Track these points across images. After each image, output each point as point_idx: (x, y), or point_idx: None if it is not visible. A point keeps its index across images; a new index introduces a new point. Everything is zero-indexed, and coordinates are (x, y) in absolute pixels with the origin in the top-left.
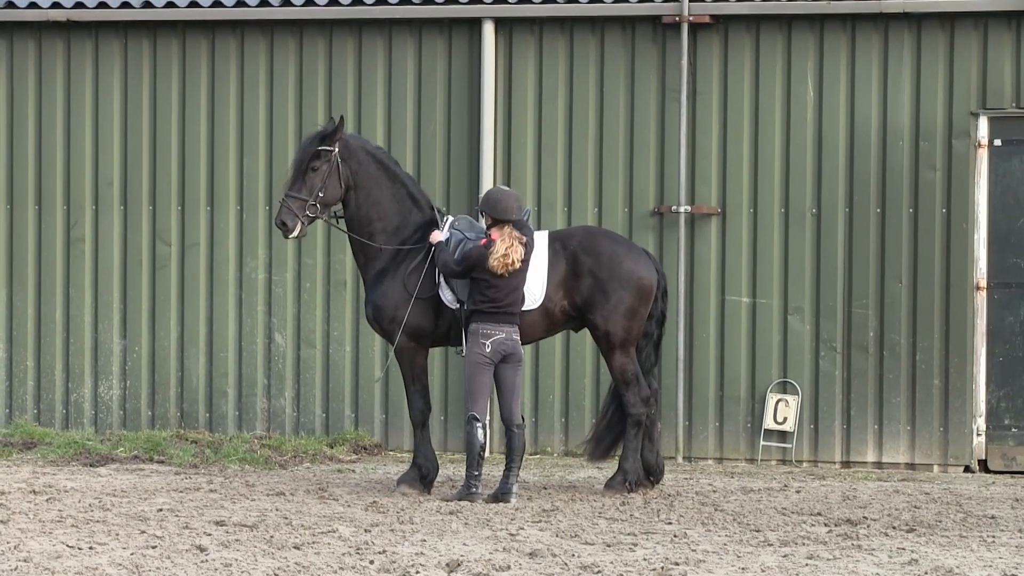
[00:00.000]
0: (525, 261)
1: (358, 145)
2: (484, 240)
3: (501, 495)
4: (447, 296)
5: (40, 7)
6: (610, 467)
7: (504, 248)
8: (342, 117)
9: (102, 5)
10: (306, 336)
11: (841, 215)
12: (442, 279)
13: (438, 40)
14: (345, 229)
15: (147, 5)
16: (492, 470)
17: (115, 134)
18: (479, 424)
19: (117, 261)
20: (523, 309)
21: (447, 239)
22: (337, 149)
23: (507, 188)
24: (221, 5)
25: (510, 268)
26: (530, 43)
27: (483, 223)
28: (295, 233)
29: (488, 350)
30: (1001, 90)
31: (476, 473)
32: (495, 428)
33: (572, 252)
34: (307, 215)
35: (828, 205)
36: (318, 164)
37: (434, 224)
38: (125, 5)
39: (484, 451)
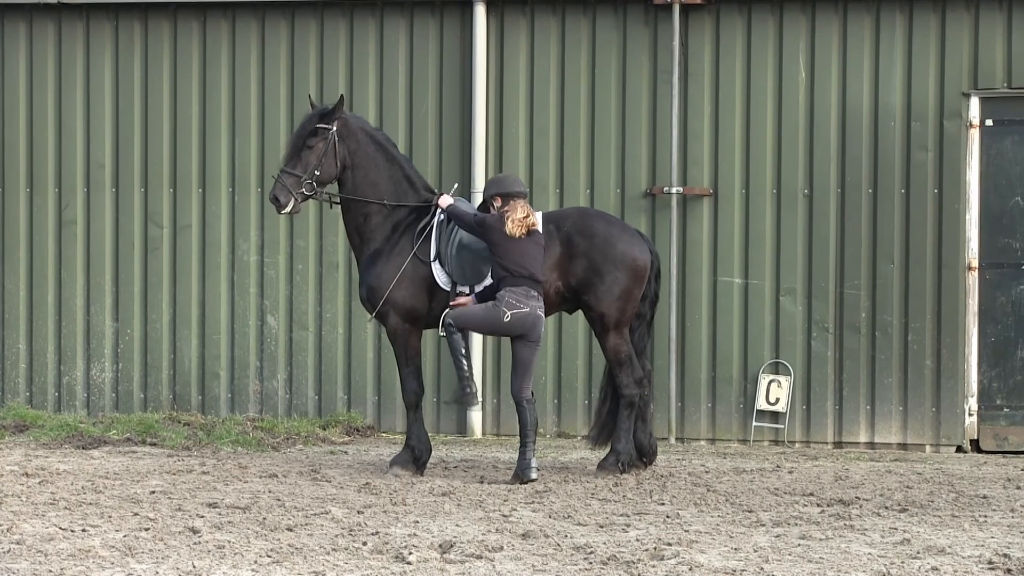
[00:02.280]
0: (537, 234)
1: (357, 125)
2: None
3: (521, 471)
4: (441, 278)
5: None
6: (603, 449)
7: (523, 212)
8: (342, 96)
9: None
10: (299, 318)
11: (833, 196)
12: (437, 256)
13: (430, 22)
14: (338, 201)
15: None
16: (485, 451)
17: (106, 116)
18: (455, 330)
19: (109, 243)
20: None
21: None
22: (335, 127)
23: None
24: None
25: (530, 227)
26: (522, 25)
27: (493, 211)
28: (288, 209)
29: (507, 319)
30: (992, 71)
31: (467, 369)
32: (488, 410)
33: (566, 233)
34: (301, 192)
35: (820, 186)
36: (315, 141)
37: (428, 209)
38: None
39: (464, 347)
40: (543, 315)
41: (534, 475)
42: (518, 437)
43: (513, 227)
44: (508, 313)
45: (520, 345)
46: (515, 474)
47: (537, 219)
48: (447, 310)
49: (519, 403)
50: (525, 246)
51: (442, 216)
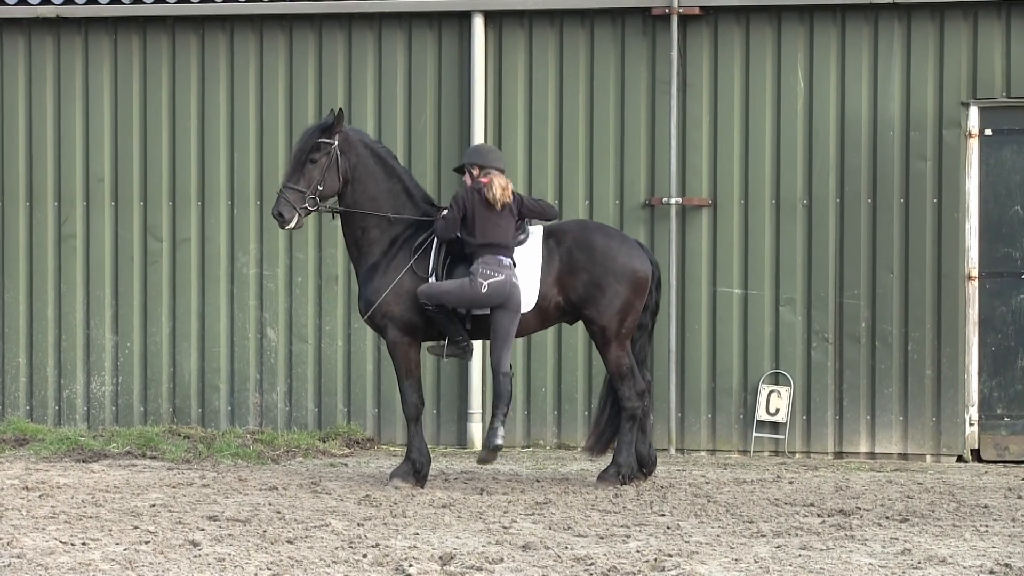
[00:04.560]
0: (510, 205)
1: (357, 139)
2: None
3: (488, 439)
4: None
5: (30, 3)
6: (603, 460)
7: (500, 182)
8: (340, 110)
9: (91, 1)
10: (298, 331)
11: (832, 206)
12: (435, 272)
13: (428, 34)
14: (339, 213)
15: (137, 1)
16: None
17: (105, 130)
18: (429, 307)
19: (108, 257)
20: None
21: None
22: (337, 142)
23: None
24: (211, 0)
25: (508, 197)
26: (520, 36)
27: (467, 179)
28: (291, 225)
29: (485, 290)
30: (991, 80)
31: (460, 334)
32: (488, 422)
33: (567, 249)
34: (304, 207)
35: (819, 196)
36: (317, 156)
37: (429, 223)
38: (115, 1)
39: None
40: (518, 283)
41: (499, 440)
42: (495, 412)
43: (499, 194)
44: (485, 284)
45: (499, 315)
46: (483, 444)
47: (536, 231)
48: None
49: (497, 374)
50: (499, 218)
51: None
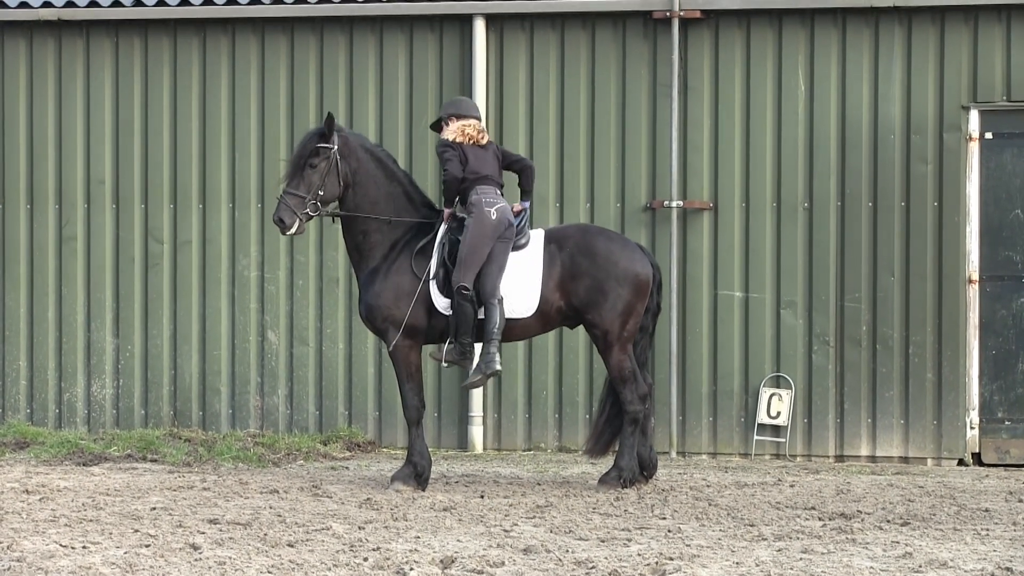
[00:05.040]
0: (493, 144)
1: (357, 143)
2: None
3: (485, 364)
4: (440, 302)
5: (31, 6)
6: (604, 463)
7: (456, 126)
8: (330, 114)
9: (93, 4)
10: (299, 333)
11: (833, 209)
12: (436, 278)
13: (429, 37)
14: (340, 217)
15: (138, 3)
16: (486, 467)
17: (107, 132)
18: (470, 295)
19: (109, 259)
20: (519, 316)
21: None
22: (336, 146)
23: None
24: (212, 3)
25: (469, 139)
26: (521, 39)
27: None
28: (293, 231)
29: (495, 218)
30: (992, 83)
31: (469, 340)
32: (488, 425)
33: (568, 254)
34: (306, 212)
35: (820, 199)
36: (317, 161)
37: (429, 227)
38: (116, 4)
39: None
40: (512, 217)
41: (498, 366)
42: (485, 342)
43: (475, 133)
44: (492, 210)
45: (498, 246)
46: (477, 368)
47: (538, 235)
48: (456, 279)
49: (490, 303)
50: (486, 154)
51: (444, 236)
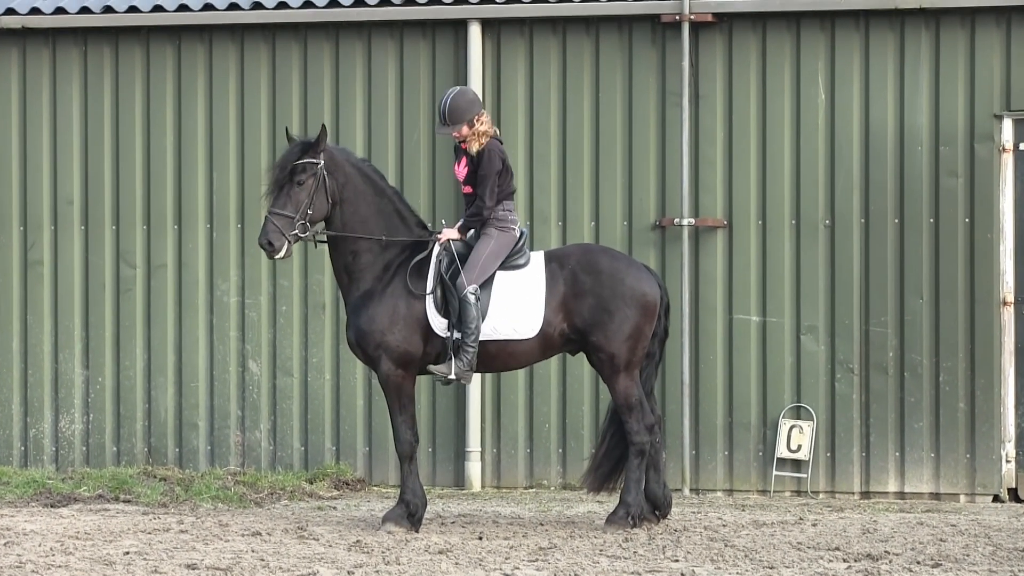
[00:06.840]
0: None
1: (343, 157)
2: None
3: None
4: (437, 323)
5: None
6: (611, 500)
7: (488, 123)
8: (323, 126)
9: (59, 11)
10: (282, 363)
11: (856, 226)
12: (433, 301)
13: (421, 43)
14: (324, 240)
15: (108, 10)
16: (484, 505)
17: (75, 148)
18: (477, 294)
19: (78, 285)
20: (520, 338)
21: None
22: (323, 162)
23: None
24: (188, 9)
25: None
26: (520, 45)
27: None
28: (281, 254)
29: (518, 235)
30: None
31: (473, 349)
32: (487, 460)
33: (570, 271)
34: (295, 234)
35: (842, 215)
36: (303, 178)
37: (423, 246)
38: (84, 11)
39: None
40: None
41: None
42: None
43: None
44: (516, 229)
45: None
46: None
47: (538, 256)
48: (465, 282)
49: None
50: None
51: (440, 252)
